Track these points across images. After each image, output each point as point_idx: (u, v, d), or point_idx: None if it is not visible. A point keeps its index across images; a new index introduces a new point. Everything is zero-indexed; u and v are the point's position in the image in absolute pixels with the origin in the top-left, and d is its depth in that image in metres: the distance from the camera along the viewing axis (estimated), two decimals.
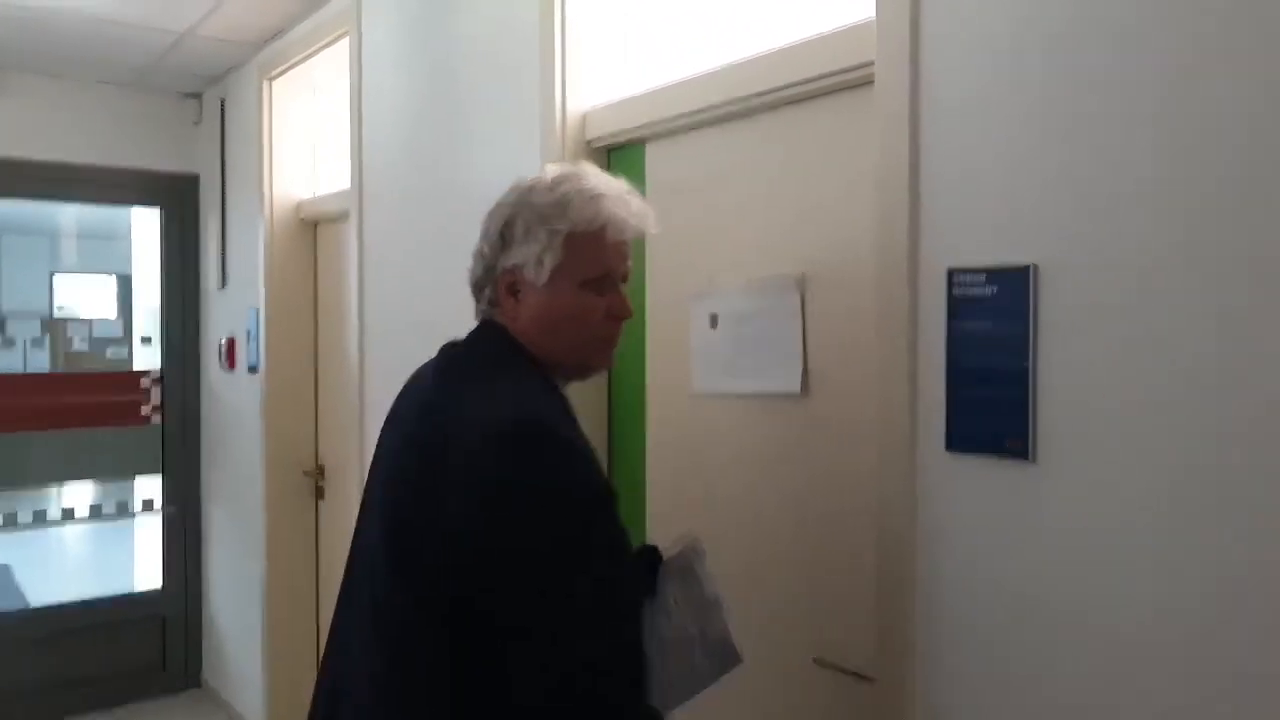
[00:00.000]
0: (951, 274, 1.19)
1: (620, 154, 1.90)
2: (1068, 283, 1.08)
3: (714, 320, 1.64)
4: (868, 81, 1.34)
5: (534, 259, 1.14)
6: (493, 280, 1.19)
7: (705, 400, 1.67)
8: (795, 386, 1.49)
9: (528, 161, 2.00)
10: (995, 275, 1.14)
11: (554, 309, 1.16)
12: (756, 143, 1.60)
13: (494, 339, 1.19)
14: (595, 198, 1.15)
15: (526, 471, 1.00)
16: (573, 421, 1.12)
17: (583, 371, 1.23)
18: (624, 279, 1.21)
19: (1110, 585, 1.05)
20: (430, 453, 1.06)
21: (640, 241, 1.87)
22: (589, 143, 1.93)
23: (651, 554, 1.33)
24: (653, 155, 1.83)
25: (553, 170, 1.21)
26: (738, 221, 1.63)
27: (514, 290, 1.18)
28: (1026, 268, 1.11)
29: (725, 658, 1.23)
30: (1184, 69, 0.99)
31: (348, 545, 1.25)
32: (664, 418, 1.79)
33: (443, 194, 2.36)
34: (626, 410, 1.88)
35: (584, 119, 1.94)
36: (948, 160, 1.21)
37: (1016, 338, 1.11)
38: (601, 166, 1.92)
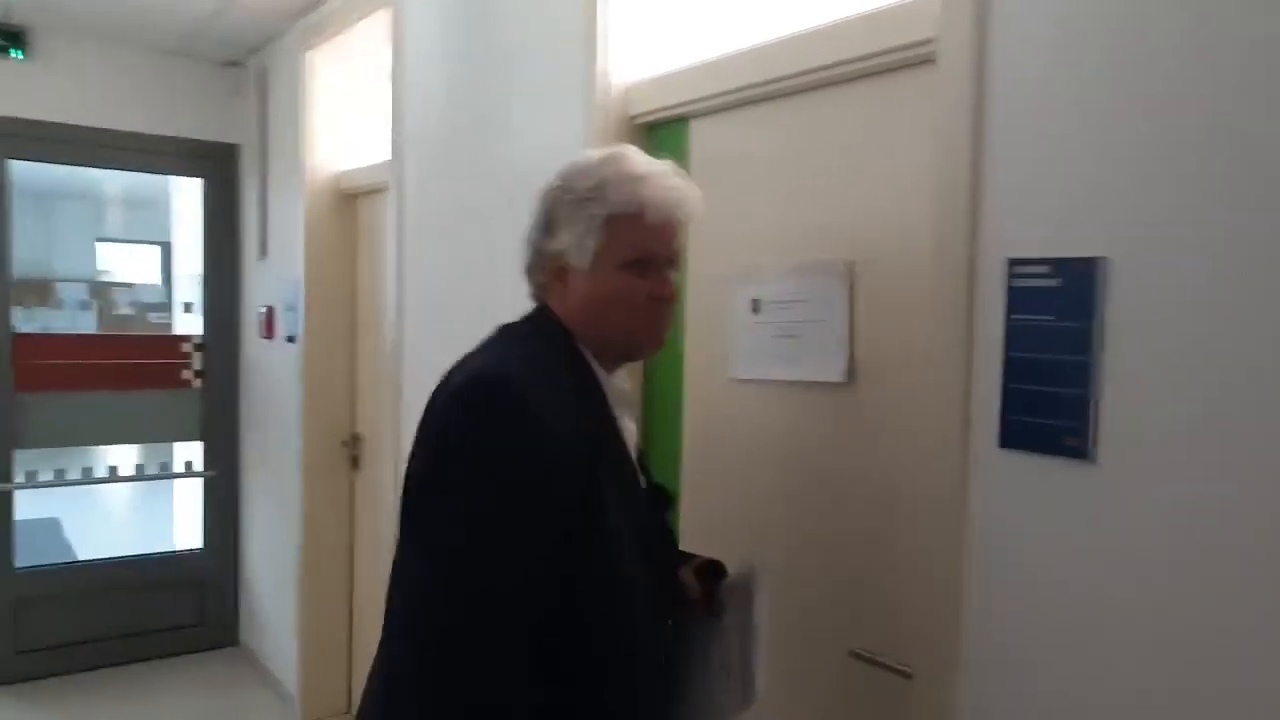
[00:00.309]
0: (1012, 264, 1.14)
1: (663, 131, 1.86)
2: (1139, 277, 1.03)
3: (756, 305, 1.60)
4: (928, 60, 1.28)
5: (576, 243, 1.16)
6: (542, 266, 1.21)
7: (745, 385, 1.64)
8: (840, 375, 1.45)
9: (569, 136, 1.96)
10: (1061, 266, 1.09)
11: (597, 292, 1.17)
12: (807, 122, 1.55)
13: (538, 318, 1.21)
14: (634, 179, 1.15)
15: (459, 417, 1.05)
16: (567, 398, 1.10)
17: (631, 353, 1.23)
18: (670, 262, 1.20)
19: (1170, 594, 1.01)
20: (426, 411, 1.12)
21: None
22: (632, 118, 1.89)
23: (715, 569, 1.34)
24: (697, 132, 1.79)
25: (596, 153, 1.21)
26: (784, 203, 1.58)
27: (561, 275, 1.19)
28: (1095, 260, 1.05)
29: (747, 693, 1.25)
30: (1272, 55, 0.92)
31: (383, 514, 1.27)
32: (702, 401, 1.76)
33: (483, 168, 2.34)
34: (663, 392, 1.85)
35: (626, 93, 1.90)
36: (1014, 146, 1.15)
37: (1080, 332, 1.06)
38: (644, 143, 1.93)
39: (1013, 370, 1.14)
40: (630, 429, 1.23)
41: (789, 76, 1.53)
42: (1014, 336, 1.14)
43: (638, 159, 1.19)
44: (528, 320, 1.22)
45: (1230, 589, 0.96)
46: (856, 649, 1.43)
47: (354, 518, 3.51)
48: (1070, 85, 1.09)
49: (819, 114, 1.52)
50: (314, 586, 3.47)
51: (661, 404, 1.86)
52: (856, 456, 1.46)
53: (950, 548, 1.22)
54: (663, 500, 1.31)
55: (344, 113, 3.42)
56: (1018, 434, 1.14)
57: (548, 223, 1.20)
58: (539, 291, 1.23)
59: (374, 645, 1.10)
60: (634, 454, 1.21)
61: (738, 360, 1.65)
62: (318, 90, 3.38)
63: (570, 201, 1.17)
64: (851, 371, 1.45)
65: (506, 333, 1.21)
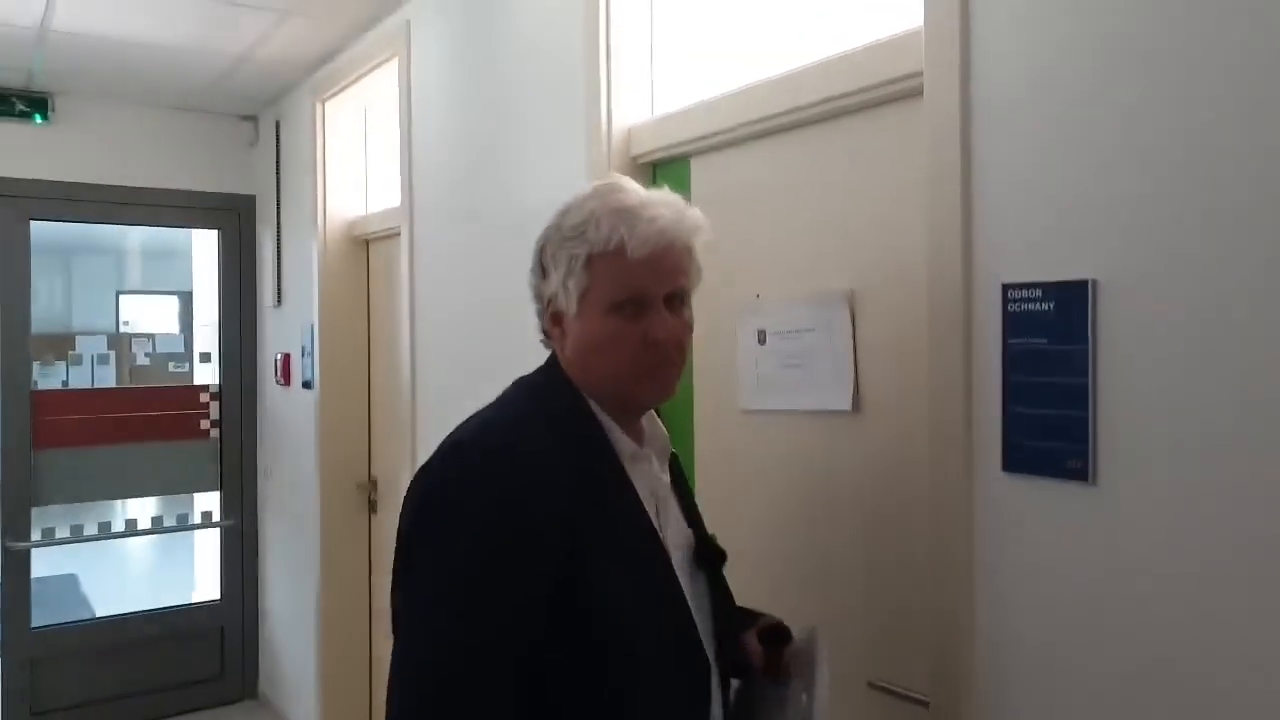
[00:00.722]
0: (1006, 289, 1.16)
1: (665, 169, 1.90)
2: (1128, 298, 1.04)
3: (762, 336, 1.62)
4: (916, 93, 1.31)
5: (561, 286, 1.10)
6: (542, 311, 1.16)
7: (754, 416, 1.65)
8: (846, 404, 1.47)
9: (574, 178, 2.00)
10: (1052, 290, 1.10)
11: (586, 338, 1.09)
12: (803, 156, 1.58)
13: (547, 368, 1.16)
14: (615, 213, 1.06)
15: (436, 483, 1.02)
16: (556, 459, 1.03)
17: (629, 404, 1.13)
18: (673, 297, 1.10)
19: (1173, 615, 1.01)
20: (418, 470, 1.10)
21: None
22: (634, 159, 1.93)
23: (779, 633, 1.26)
24: (698, 170, 1.82)
25: (588, 188, 1.14)
26: (785, 236, 1.61)
27: (557, 320, 1.14)
28: (1085, 282, 1.07)
29: None
30: (1252, 72, 0.94)
31: None
32: (712, 433, 1.77)
33: (491, 211, 2.38)
34: (674, 426, 1.86)
35: (629, 134, 1.94)
36: (1000, 172, 1.17)
37: (1076, 355, 1.08)
38: (647, 182, 1.96)
39: (1013, 394, 1.15)
40: (659, 479, 1.15)
41: (784, 113, 1.56)
42: (1012, 360, 1.15)
43: (628, 190, 1.10)
44: (539, 371, 1.16)
45: (1231, 608, 0.96)
46: (874, 680, 1.42)
47: (372, 562, 3.52)
48: (1052, 112, 1.12)
49: (814, 148, 1.55)
50: (334, 633, 3.47)
51: (672, 435, 1.86)
52: (865, 485, 1.46)
53: (960, 574, 1.22)
54: (710, 558, 1.19)
55: (357, 160, 3.50)
56: (1021, 458, 1.14)
57: (540, 264, 1.14)
58: (544, 339, 1.17)
59: None
60: (655, 507, 1.12)
61: (746, 392, 1.66)
62: (331, 139, 3.47)
63: (557, 240, 1.10)
64: (857, 400, 1.46)
65: (517, 386, 1.15)
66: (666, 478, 1.18)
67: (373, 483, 3.49)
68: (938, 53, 1.24)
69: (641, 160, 1.92)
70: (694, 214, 1.12)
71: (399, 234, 2.90)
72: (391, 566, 1.05)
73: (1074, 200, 1.09)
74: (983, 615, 1.20)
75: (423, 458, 1.22)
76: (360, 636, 3.51)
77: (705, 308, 1.77)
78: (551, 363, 1.16)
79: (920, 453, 1.33)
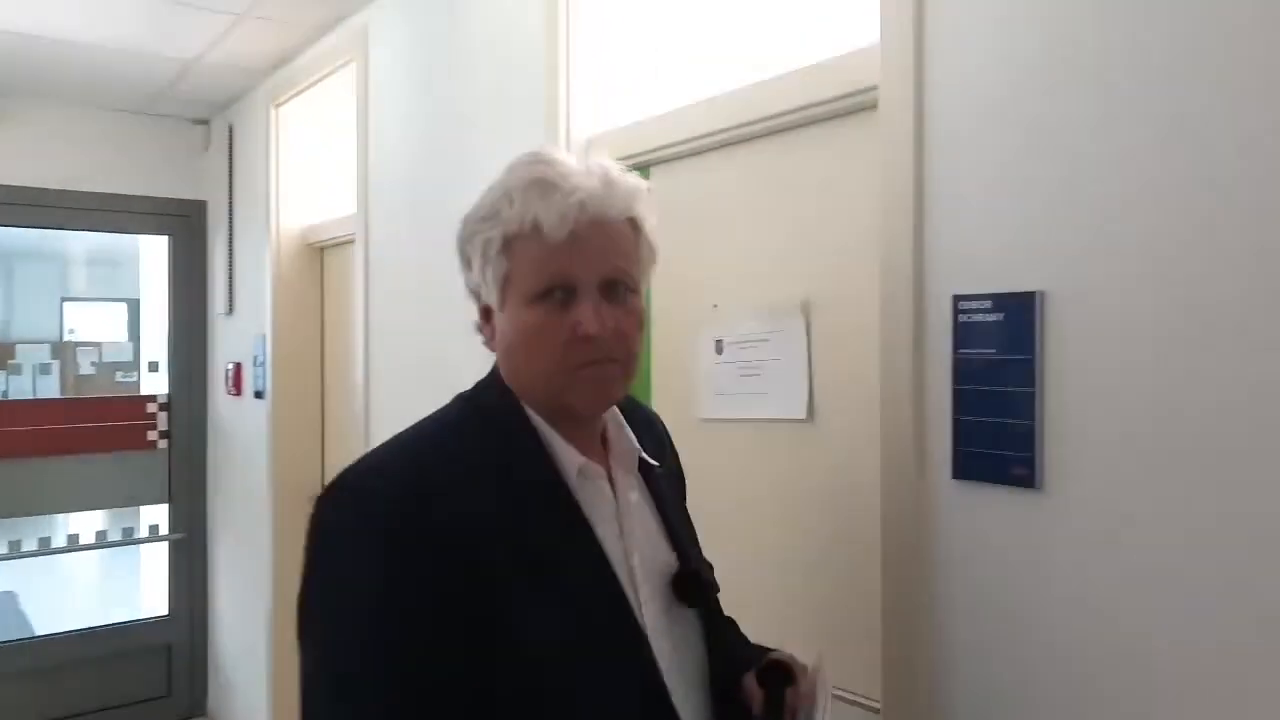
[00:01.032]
0: (957, 300, 1.18)
1: None
2: (1075, 309, 1.07)
3: (719, 346, 1.63)
4: (873, 106, 1.34)
5: (481, 276, 0.97)
6: (477, 307, 1.02)
7: (712, 425, 1.66)
8: (802, 413, 1.48)
9: None
10: (1001, 301, 1.12)
11: (509, 334, 0.96)
12: (761, 168, 1.59)
13: (488, 377, 1.02)
14: (530, 186, 0.92)
15: (314, 536, 0.92)
16: (469, 489, 0.88)
17: (564, 411, 0.96)
18: (613, 284, 0.94)
19: (1116, 618, 1.03)
20: None
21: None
22: None
23: (777, 670, 1.03)
24: (657, 180, 1.83)
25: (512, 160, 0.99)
26: (743, 246, 1.62)
27: (487, 316, 1.00)
28: (1033, 294, 1.09)
29: None
30: (1192, 90, 0.98)
31: None
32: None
33: (447, 219, 2.34)
34: None
35: (589, 144, 1.94)
36: (953, 185, 1.20)
37: (1023, 364, 1.10)
38: None
39: (962, 403, 1.17)
40: (625, 498, 1.00)
41: (742, 125, 1.58)
42: (962, 370, 1.17)
43: (549, 160, 0.95)
44: (480, 381, 1.03)
45: (1172, 610, 0.99)
46: None
47: None
48: (1006, 127, 1.14)
49: (772, 160, 1.57)
50: (286, 649, 3.40)
51: None
52: (820, 492, 1.48)
53: (910, 580, 1.24)
54: (693, 590, 1.01)
55: (311, 166, 3.45)
56: (970, 465, 1.16)
57: (464, 253, 1.00)
58: (484, 340, 1.03)
59: None
60: (618, 529, 0.98)
61: (703, 401, 1.67)
62: (285, 144, 3.42)
63: (473, 224, 0.98)
64: (812, 408, 1.48)
65: (456, 398, 1.03)
66: (634, 495, 1.02)
67: None
68: (893, 68, 1.26)
69: None
70: (629, 182, 0.96)
71: (354, 241, 2.87)
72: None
73: (1024, 213, 1.12)
74: (934, 620, 1.22)
75: None
76: None
77: (663, 317, 1.79)
78: (493, 370, 1.02)
79: (873, 461, 1.34)
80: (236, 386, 3.77)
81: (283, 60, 3.30)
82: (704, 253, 1.69)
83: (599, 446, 1.03)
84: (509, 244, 0.94)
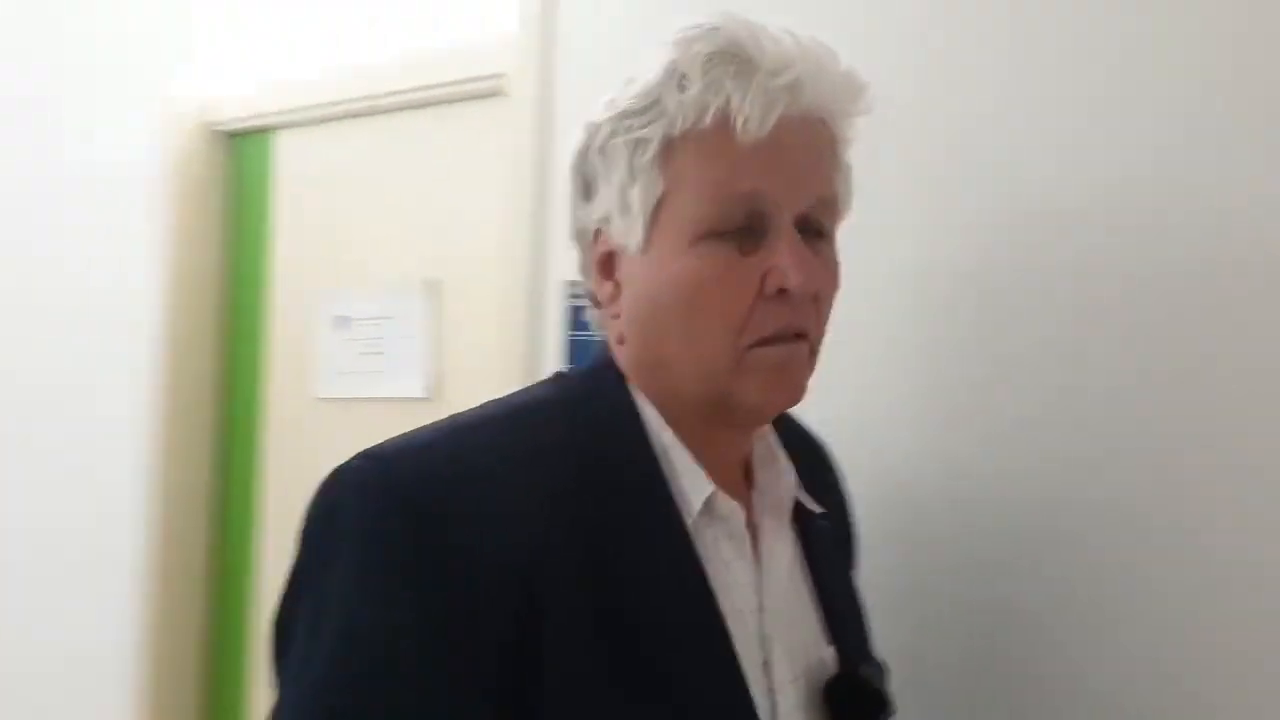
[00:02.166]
0: (570, 285, 1.25)
1: (246, 140, 1.77)
2: None
3: (341, 322, 1.58)
4: (501, 92, 1.38)
5: (619, 201, 0.64)
6: (587, 262, 0.70)
7: (330, 404, 1.60)
8: (421, 391, 1.48)
9: (132, 153, 1.75)
10: None
11: (658, 288, 0.64)
12: (393, 142, 1.57)
13: (596, 359, 0.71)
14: (716, 60, 0.61)
15: (312, 523, 0.66)
16: (532, 507, 0.60)
17: (724, 410, 0.65)
18: (812, 222, 0.64)
19: None
20: None
21: (263, 235, 1.74)
22: (209, 124, 1.76)
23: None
24: (284, 145, 1.72)
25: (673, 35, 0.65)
26: (371, 221, 1.58)
27: (606, 267, 0.68)
28: None
29: None
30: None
31: None
32: (285, 423, 1.68)
33: (20, 176, 1.99)
34: (240, 417, 1.73)
35: (207, 101, 1.77)
36: None
37: None
38: (225, 155, 1.80)
39: None
40: (773, 554, 0.69)
41: (373, 96, 1.54)
42: (572, 351, 1.25)
43: (738, 27, 0.62)
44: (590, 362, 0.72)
45: None
46: None
47: None
48: None
49: (402, 135, 1.56)
50: None
51: (237, 427, 1.73)
52: None
53: None
54: (853, 705, 0.68)
55: None
56: None
57: (581, 176, 0.68)
58: (593, 306, 0.71)
59: None
60: (756, 604, 0.67)
61: (322, 378, 1.60)
62: None
63: (611, 125, 0.65)
64: (433, 387, 1.48)
65: (550, 379, 0.74)
66: (783, 552, 0.70)
67: None
68: (524, 55, 1.31)
69: (218, 128, 1.76)
70: (852, 73, 0.65)
71: None
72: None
73: None
74: None
75: None
76: None
77: (284, 290, 1.68)
78: (601, 349, 0.71)
79: None
80: None
81: None
82: (330, 225, 1.62)
83: (739, 476, 0.70)
84: (671, 149, 0.62)
